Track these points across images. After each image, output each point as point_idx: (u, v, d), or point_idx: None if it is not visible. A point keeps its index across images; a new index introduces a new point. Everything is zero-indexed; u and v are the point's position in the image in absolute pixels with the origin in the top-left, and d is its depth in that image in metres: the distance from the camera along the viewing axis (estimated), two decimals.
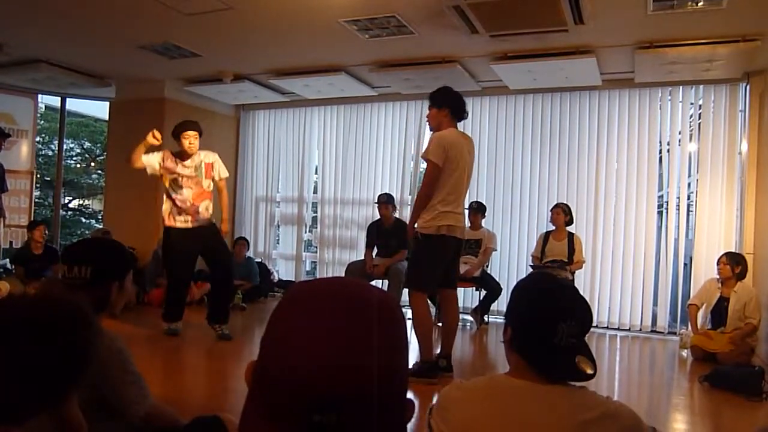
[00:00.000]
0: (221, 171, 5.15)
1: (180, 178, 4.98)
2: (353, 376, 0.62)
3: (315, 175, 8.23)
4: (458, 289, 4.49)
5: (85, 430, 1.22)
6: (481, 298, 6.37)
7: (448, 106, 4.04)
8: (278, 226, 8.40)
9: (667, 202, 6.42)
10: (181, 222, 4.98)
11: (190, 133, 4.96)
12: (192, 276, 5.46)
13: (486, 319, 6.40)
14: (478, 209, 6.44)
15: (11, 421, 1.00)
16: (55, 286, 2.08)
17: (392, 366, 0.66)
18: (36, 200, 8.88)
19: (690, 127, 6.40)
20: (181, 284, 5.13)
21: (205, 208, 5.04)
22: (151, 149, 4.93)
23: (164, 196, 5.07)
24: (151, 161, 4.98)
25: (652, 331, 6.27)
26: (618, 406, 1.33)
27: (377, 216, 6.68)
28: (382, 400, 0.63)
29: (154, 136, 4.81)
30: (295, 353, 0.64)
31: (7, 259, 7.32)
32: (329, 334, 0.64)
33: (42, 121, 11.58)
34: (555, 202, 6.26)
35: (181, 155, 5.01)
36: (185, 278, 5.17)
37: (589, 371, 1.31)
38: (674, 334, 6.08)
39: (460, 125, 4.20)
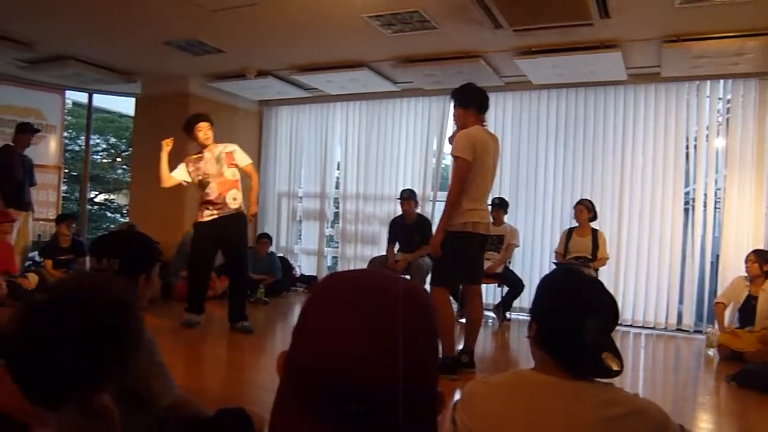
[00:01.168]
0: (243, 158, 5.14)
1: (205, 177, 5.00)
2: (379, 366, 0.62)
3: (337, 170, 8.25)
4: (481, 285, 4.47)
5: (116, 418, 1.22)
6: (504, 294, 6.34)
7: (474, 105, 4.02)
8: (300, 222, 8.44)
9: (693, 198, 6.32)
10: (208, 215, 5.00)
11: (203, 124, 5.00)
12: (211, 270, 5.50)
13: (508, 315, 6.37)
14: (500, 205, 6.40)
15: (47, 406, 1.00)
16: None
17: (419, 357, 0.66)
18: (63, 194, 9.03)
19: (718, 122, 6.28)
20: (198, 277, 5.15)
21: (233, 198, 5.03)
22: (173, 162, 5.09)
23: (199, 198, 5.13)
24: (181, 173, 5.08)
25: (678, 330, 6.18)
26: (646, 403, 1.31)
27: (399, 211, 6.68)
28: (410, 391, 0.63)
29: (166, 144, 4.99)
30: (323, 344, 0.64)
31: (36, 252, 7.46)
32: (355, 324, 0.64)
33: (69, 117, 11.75)
34: (579, 198, 6.21)
35: (199, 151, 5.06)
36: (203, 271, 5.19)
37: (615, 368, 1.30)
38: (700, 332, 5.98)
39: None
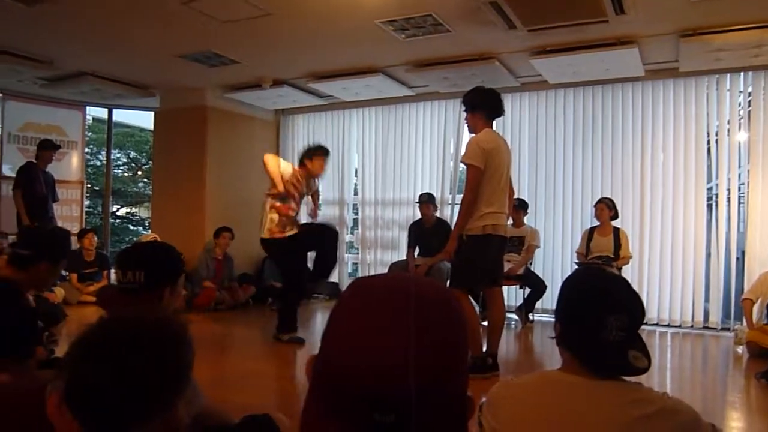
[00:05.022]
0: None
1: (294, 197, 5.13)
2: (395, 372, 0.61)
3: (355, 177, 8.26)
4: (503, 287, 4.45)
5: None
6: (526, 296, 6.30)
7: (481, 109, 4.03)
8: None
9: (716, 194, 6.22)
10: (289, 231, 5.06)
11: (326, 157, 5.19)
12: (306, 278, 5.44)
13: (531, 317, 6.32)
14: (520, 206, 6.34)
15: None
16: (112, 290, 2.09)
17: (438, 362, 0.64)
18: (86, 209, 9.17)
19: (739, 115, 6.19)
20: (300, 292, 5.26)
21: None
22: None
23: (269, 208, 5.07)
24: (285, 166, 5.11)
25: (705, 327, 6.08)
26: (676, 402, 1.29)
27: (418, 216, 6.67)
28: (439, 395, 0.62)
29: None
30: (347, 349, 0.64)
31: None
32: (375, 330, 0.63)
33: (90, 133, 11.93)
34: (599, 197, 6.14)
35: (306, 177, 5.20)
36: (304, 285, 5.28)
37: (641, 365, 1.28)
38: (728, 330, 5.88)
39: (500, 121, 4.16)
